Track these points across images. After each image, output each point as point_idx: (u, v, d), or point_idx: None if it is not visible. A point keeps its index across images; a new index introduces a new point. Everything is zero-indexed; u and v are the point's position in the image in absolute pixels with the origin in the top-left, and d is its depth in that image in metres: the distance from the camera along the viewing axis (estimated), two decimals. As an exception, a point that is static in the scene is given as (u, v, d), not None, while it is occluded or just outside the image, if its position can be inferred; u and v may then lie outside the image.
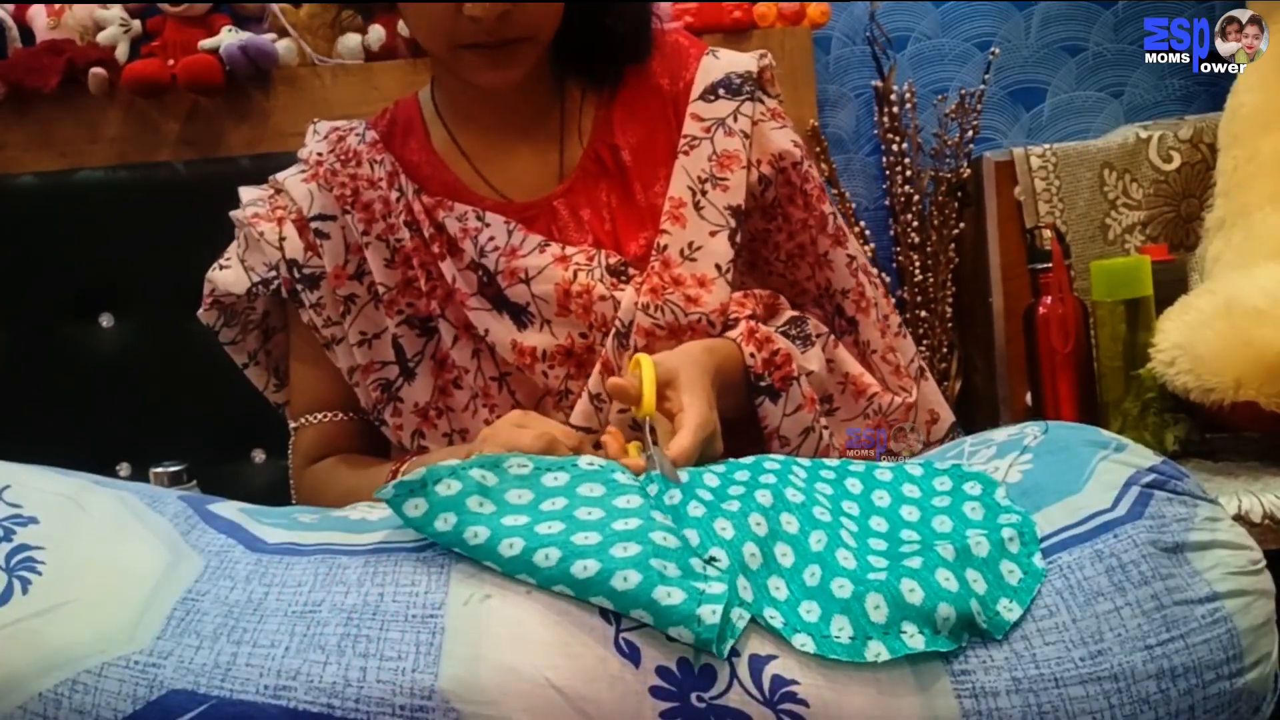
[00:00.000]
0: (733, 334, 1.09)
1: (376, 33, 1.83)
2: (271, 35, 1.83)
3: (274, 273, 1.17)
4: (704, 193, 1.13)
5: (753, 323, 1.10)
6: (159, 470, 1.12)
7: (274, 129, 1.80)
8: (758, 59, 1.19)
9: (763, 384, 1.07)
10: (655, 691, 0.68)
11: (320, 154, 1.20)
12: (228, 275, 1.20)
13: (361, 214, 1.16)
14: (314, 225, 1.16)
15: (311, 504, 1.17)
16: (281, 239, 1.17)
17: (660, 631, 0.70)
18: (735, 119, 1.15)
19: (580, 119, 1.19)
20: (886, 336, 1.20)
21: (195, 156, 1.79)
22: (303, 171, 1.20)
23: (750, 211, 1.16)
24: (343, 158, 1.19)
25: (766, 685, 0.68)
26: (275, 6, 1.85)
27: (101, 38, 1.81)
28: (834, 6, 2.00)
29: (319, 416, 1.21)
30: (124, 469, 1.72)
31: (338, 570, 0.77)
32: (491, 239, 1.13)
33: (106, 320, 1.77)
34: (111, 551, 0.77)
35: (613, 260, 1.12)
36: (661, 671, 0.69)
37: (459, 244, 1.13)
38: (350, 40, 1.84)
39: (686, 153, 1.14)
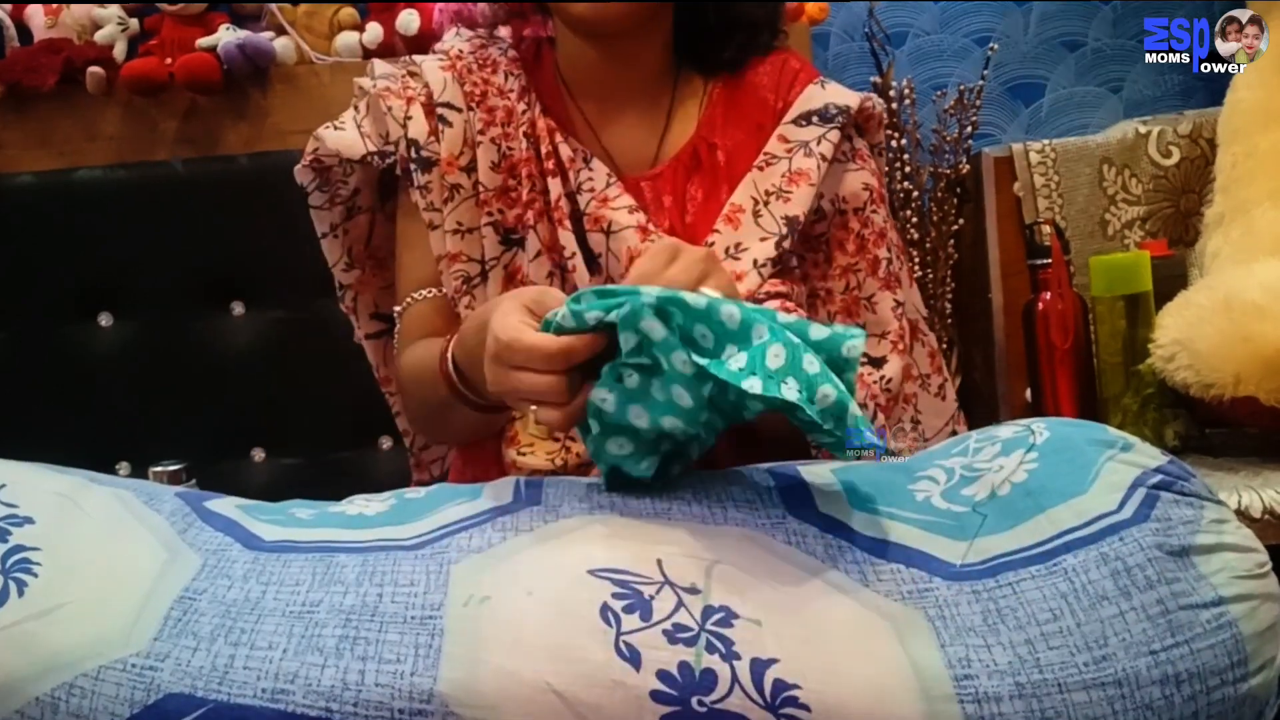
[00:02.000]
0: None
1: (374, 30, 1.83)
2: (269, 33, 1.83)
3: (391, 147, 1.19)
4: (765, 204, 1.16)
5: (788, 303, 1.12)
6: (158, 469, 1.12)
7: (272, 127, 1.80)
8: (862, 99, 1.22)
9: None
10: (656, 696, 0.68)
11: (461, 51, 1.23)
12: (342, 136, 1.21)
13: (484, 115, 1.18)
14: (439, 111, 1.18)
15: (404, 381, 1.19)
16: (407, 118, 1.18)
17: (663, 634, 0.70)
18: (818, 143, 1.18)
19: (689, 110, 1.23)
20: (909, 385, 1.21)
21: (193, 155, 1.79)
22: (441, 60, 1.22)
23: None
24: (480, 61, 1.22)
25: (768, 689, 0.68)
26: (273, 5, 1.85)
27: (99, 36, 1.81)
28: (833, 4, 1.99)
29: (425, 293, 1.20)
30: (123, 468, 1.72)
31: (335, 569, 0.77)
32: (590, 179, 1.17)
33: (105, 319, 1.77)
34: (108, 551, 0.77)
35: None
36: (662, 675, 0.68)
37: (567, 169, 1.17)
38: (348, 38, 1.83)
39: (761, 169, 1.17)
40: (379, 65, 1.25)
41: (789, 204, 1.15)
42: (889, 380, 1.17)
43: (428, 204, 1.18)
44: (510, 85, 1.20)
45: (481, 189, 1.16)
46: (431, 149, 1.18)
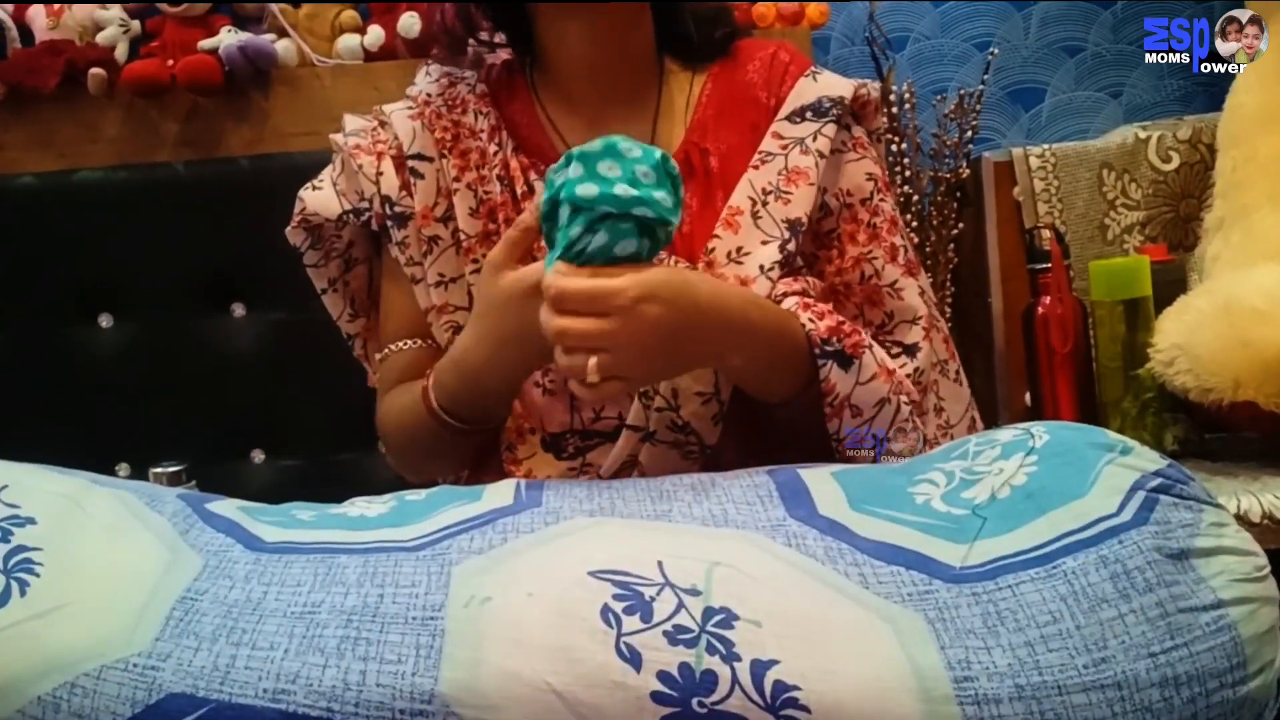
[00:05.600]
0: (786, 305, 1.08)
1: (375, 33, 1.83)
2: (271, 35, 1.83)
3: (366, 204, 1.18)
4: (764, 204, 1.13)
5: (807, 299, 1.09)
6: (158, 470, 1.13)
7: (273, 129, 1.80)
8: (856, 86, 1.19)
9: (829, 348, 1.04)
10: (656, 697, 0.68)
11: (429, 95, 1.22)
12: (320, 196, 1.20)
13: (457, 160, 1.17)
14: (410, 163, 1.17)
15: (386, 428, 1.19)
16: (379, 174, 1.17)
17: (663, 635, 0.70)
18: (814, 139, 1.15)
19: (676, 110, 1.20)
20: (931, 371, 1.18)
21: (194, 157, 1.79)
22: (410, 108, 1.21)
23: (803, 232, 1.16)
24: (450, 103, 1.20)
25: (768, 690, 0.68)
26: (274, 6, 1.85)
27: (101, 38, 1.81)
28: (833, 7, 2.00)
29: (403, 344, 1.20)
30: (123, 469, 1.72)
31: (336, 570, 0.77)
32: None
33: (106, 321, 1.77)
34: (110, 552, 0.77)
35: (681, 265, 1.11)
36: (662, 676, 0.68)
37: None
38: (349, 40, 1.84)
39: (757, 167, 1.14)
40: (350, 121, 1.23)
41: (789, 205, 1.12)
42: (920, 372, 1.14)
43: (408, 259, 1.17)
44: (481, 125, 1.18)
45: (463, 236, 1.15)
46: (405, 204, 1.16)
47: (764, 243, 1.12)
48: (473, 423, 1.09)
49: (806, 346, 1.04)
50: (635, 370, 0.94)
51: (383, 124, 1.21)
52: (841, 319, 1.08)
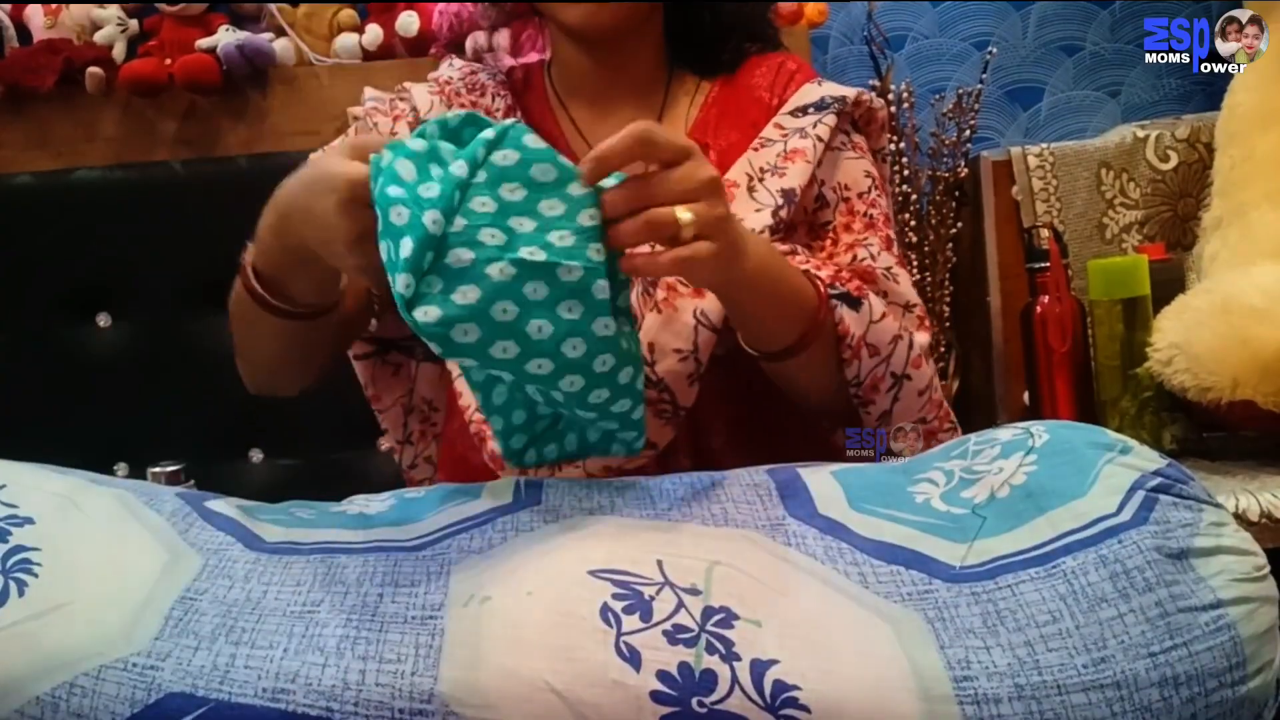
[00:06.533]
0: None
1: (374, 32, 1.83)
2: (269, 34, 1.83)
3: None
4: (760, 179, 1.14)
5: (795, 257, 1.10)
6: (156, 470, 1.12)
7: (271, 128, 1.80)
8: (859, 92, 1.21)
9: (836, 291, 1.05)
10: (656, 696, 0.68)
11: (451, 78, 1.25)
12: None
13: None
14: None
15: (233, 332, 1.18)
16: (393, 134, 1.19)
17: (663, 635, 0.70)
18: (814, 127, 1.17)
19: (680, 110, 1.23)
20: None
21: (192, 156, 1.79)
22: (431, 86, 1.24)
23: (796, 224, 1.16)
24: (469, 85, 1.24)
25: (768, 690, 0.68)
26: (272, 6, 1.85)
27: (98, 37, 1.81)
28: (832, 6, 2.00)
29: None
30: (121, 469, 1.72)
31: (336, 570, 0.77)
32: None
33: (103, 320, 1.77)
34: (109, 552, 0.77)
35: None
36: (662, 676, 0.68)
37: None
38: (347, 40, 1.84)
39: (756, 149, 1.16)
40: (370, 91, 1.27)
41: (784, 178, 1.13)
42: (924, 349, 1.14)
43: None
44: (496, 105, 1.22)
45: None
46: None
47: (756, 210, 1.12)
48: (282, 295, 1.03)
49: (810, 291, 1.03)
50: (725, 230, 0.88)
51: (402, 98, 1.23)
52: (838, 269, 1.10)
